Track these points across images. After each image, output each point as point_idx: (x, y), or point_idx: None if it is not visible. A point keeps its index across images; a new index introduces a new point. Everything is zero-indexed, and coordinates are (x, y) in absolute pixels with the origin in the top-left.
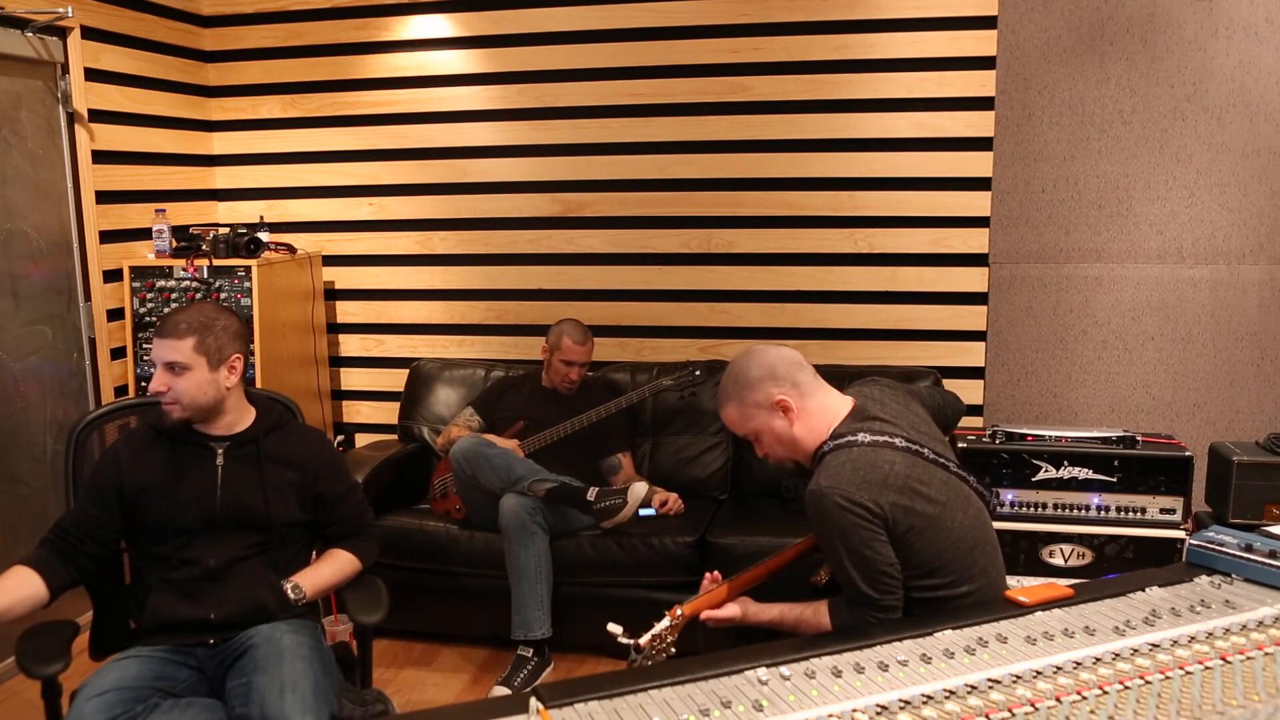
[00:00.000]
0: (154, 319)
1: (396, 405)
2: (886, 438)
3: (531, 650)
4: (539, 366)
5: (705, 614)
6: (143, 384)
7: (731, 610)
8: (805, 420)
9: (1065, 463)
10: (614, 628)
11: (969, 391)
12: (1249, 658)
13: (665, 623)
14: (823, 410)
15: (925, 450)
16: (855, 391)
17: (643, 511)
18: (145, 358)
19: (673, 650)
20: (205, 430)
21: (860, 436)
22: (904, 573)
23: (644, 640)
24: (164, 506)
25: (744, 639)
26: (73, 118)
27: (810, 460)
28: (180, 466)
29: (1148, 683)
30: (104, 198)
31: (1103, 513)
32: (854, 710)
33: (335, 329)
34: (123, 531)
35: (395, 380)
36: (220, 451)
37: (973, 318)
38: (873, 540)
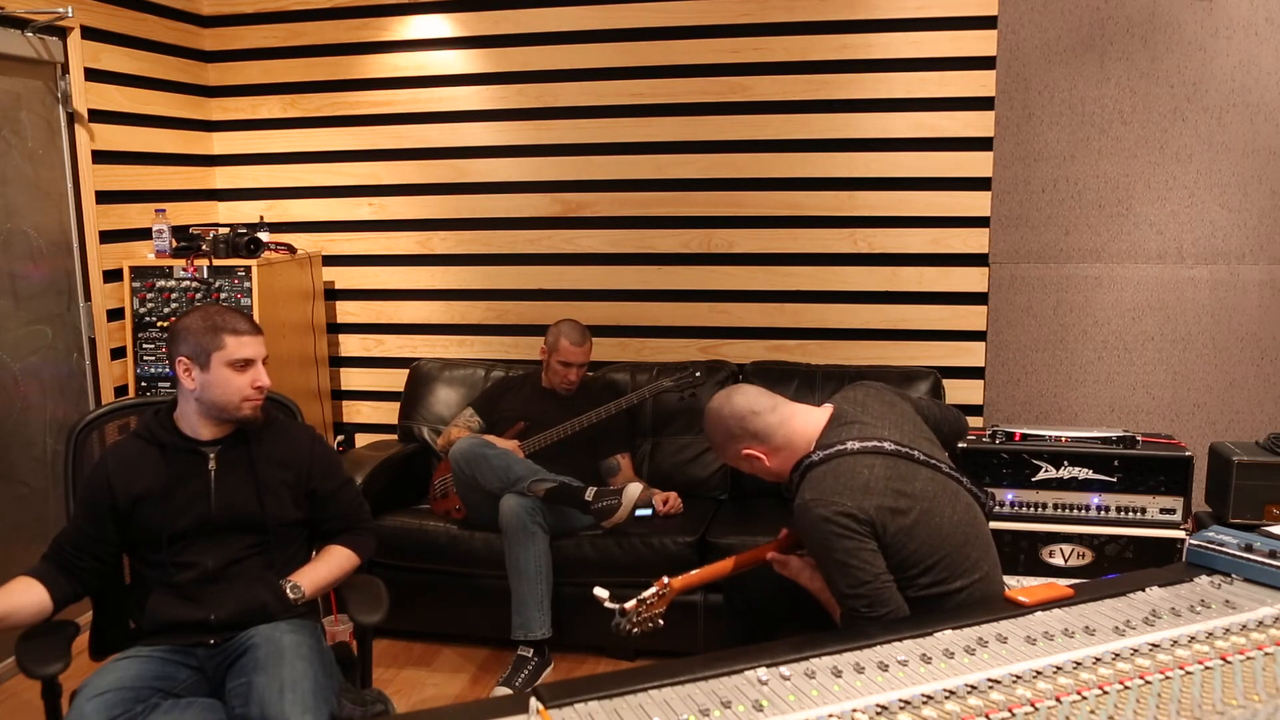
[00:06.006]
0: (154, 319)
1: (396, 405)
2: (875, 442)
3: (532, 650)
4: (539, 367)
5: (771, 555)
6: (143, 384)
7: (796, 563)
8: (777, 455)
9: (1065, 463)
10: (600, 592)
11: (969, 391)
12: (1249, 658)
13: (652, 590)
14: (793, 437)
15: (915, 452)
16: (838, 397)
17: (640, 512)
18: (145, 358)
19: (660, 623)
20: (197, 435)
21: (849, 445)
22: (899, 572)
23: (629, 605)
24: (159, 515)
25: (745, 638)
26: (73, 118)
27: (794, 473)
28: (173, 474)
29: (1148, 683)
30: (104, 198)
31: (1103, 513)
32: (854, 710)
33: (335, 329)
34: (119, 545)
35: (395, 380)
36: (212, 456)
37: (973, 318)
38: (859, 550)
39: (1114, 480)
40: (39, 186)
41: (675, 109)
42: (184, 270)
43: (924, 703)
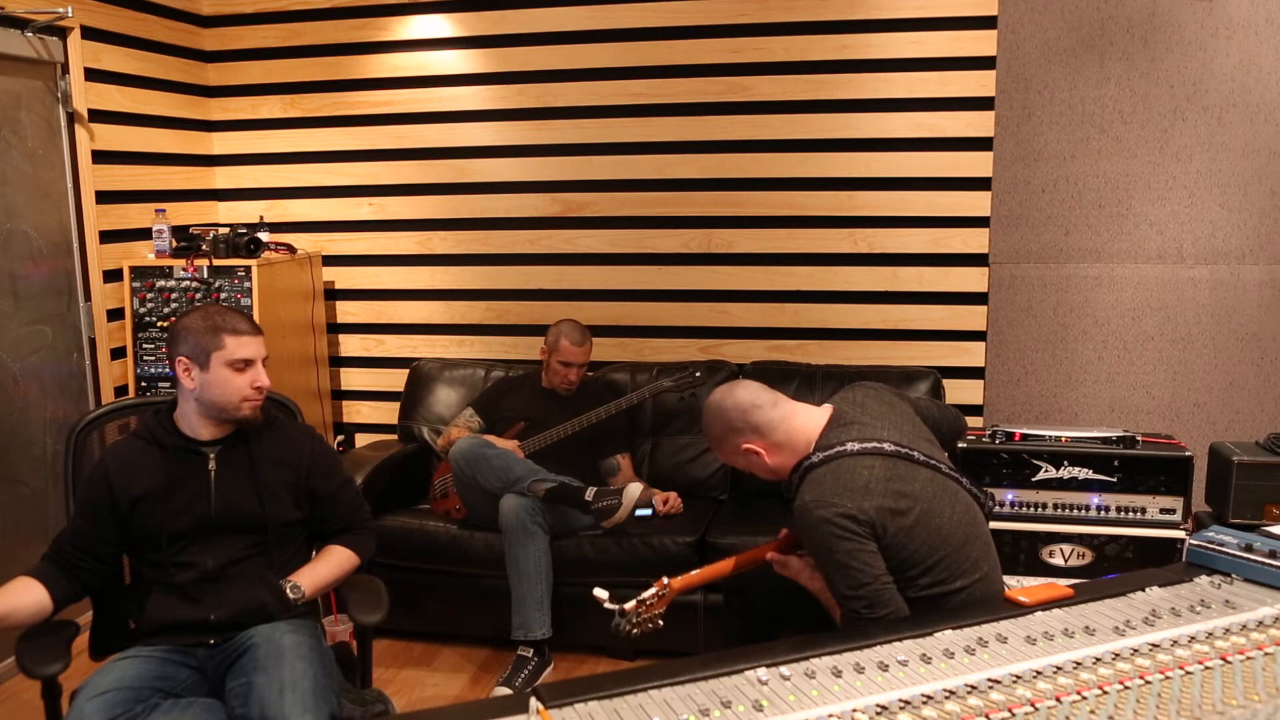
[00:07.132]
0: (154, 319)
1: (396, 405)
2: (875, 443)
3: (532, 650)
4: (539, 367)
5: (771, 555)
6: (143, 384)
7: (797, 563)
8: (777, 452)
9: (1065, 463)
10: (600, 592)
11: (969, 391)
12: (1249, 658)
13: (652, 590)
14: (793, 435)
15: (915, 453)
16: (837, 398)
17: (640, 512)
18: (145, 358)
19: (660, 623)
20: (197, 435)
21: (849, 445)
22: (899, 573)
23: (629, 605)
24: (159, 515)
25: (745, 638)
26: (73, 118)
27: (794, 474)
28: (173, 474)
29: (1148, 683)
30: (104, 198)
31: (1103, 513)
32: (854, 710)
33: (335, 329)
34: (119, 545)
35: (395, 380)
36: (212, 456)
37: (973, 318)
38: (859, 551)
39: (1114, 480)
40: (39, 186)
41: (675, 109)
42: (184, 270)
43: (924, 703)
